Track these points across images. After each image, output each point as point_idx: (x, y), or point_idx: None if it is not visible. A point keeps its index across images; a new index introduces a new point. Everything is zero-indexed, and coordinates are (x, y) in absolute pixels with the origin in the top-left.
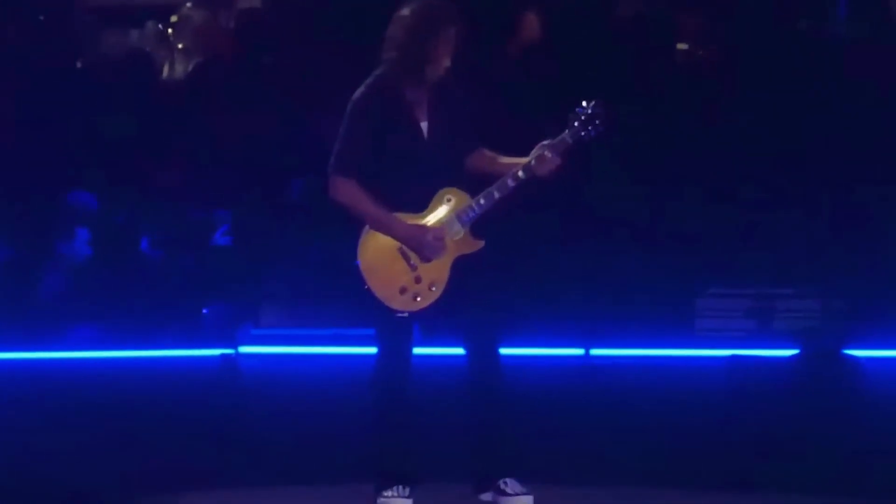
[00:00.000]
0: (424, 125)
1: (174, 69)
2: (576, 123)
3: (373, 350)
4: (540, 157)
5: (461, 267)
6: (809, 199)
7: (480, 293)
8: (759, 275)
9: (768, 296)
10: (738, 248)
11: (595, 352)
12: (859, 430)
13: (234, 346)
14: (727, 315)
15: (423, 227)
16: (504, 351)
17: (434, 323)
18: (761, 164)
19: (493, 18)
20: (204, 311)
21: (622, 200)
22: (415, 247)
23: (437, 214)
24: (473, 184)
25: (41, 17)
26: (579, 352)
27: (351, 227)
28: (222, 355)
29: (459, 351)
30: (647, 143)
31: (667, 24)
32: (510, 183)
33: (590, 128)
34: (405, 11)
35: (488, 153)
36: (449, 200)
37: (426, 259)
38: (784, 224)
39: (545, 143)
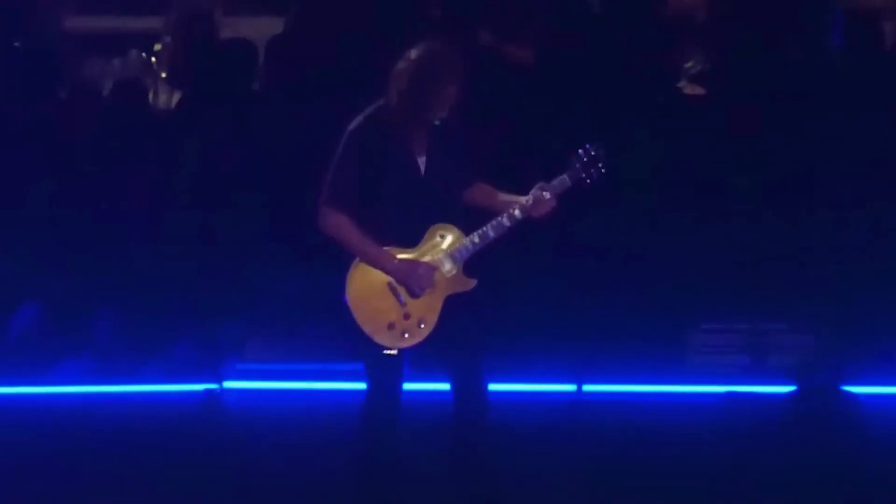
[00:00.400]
0: (422, 160)
1: (158, 99)
2: (577, 165)
3: (362, 385)
4: (538, 199)
5: (452, 306)
6: (802, 230)
7: (469, 330)
8: (752, 309)
9: (762, 331)
10: (731, 282)
11: (587, 388)
12: (859, 469)
13: (219, 381)
14: (721, 350)
15: (414, 261)
16: (493, 386)
17: (422, 360)
18: (753, 196)
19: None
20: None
21: (613, 233)
22: (403, 280)
23: (429, 250)
24: (469, 219)
25: (16, 44)
26: (571, 387)
27: (339, 259)
28: (206, 390)
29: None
30: (638, 174)
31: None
32: (506, 223)
33: (592, 171)
34: (412, 55)
35: (486, 188)
36: (442, 237)
37: (414, 294)
38: (777, 256)
39: (544, 184)
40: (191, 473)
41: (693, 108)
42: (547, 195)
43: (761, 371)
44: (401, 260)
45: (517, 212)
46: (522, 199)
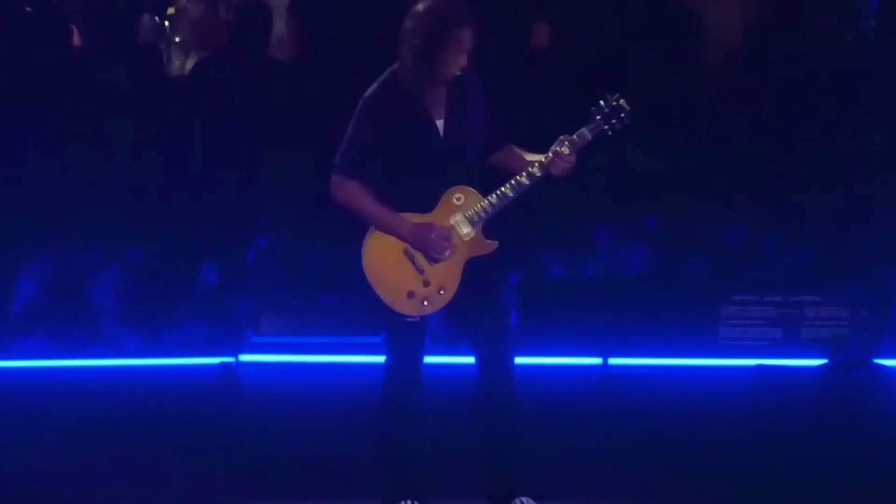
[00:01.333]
0: (440, 123)
1: (171, 65)
2: (598, 117)
3: (380, 359)
4: (557, 155)
5: (473, 270)
6: (837, 201)
7: (492, 298)
8: (784, 281)
9: (795, 303)
10: (763, 254)
11: (613, 361)
12: (892, 445)
13: (234, 355)
14: (752, 323)
15: (428, 224)
16: (516, 360)
17: (443, 329)
18: (788, 168)
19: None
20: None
21: (641, 203)
22: (419, 246)
23: (445, 214)
24: (492, 182)
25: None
26: (597, 361)
27: (354, 230)
28: (221, 364)
29: (470, 360)
30: (668, 145)
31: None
32: (525, 182)
33: (614, 121)
34: (419, 7)
35: (515, 150)
36: (459, 199)
37: (432, 259)
38: (811, 228)
39: (565, 137)
40: (206, 449)
41: (725, 82)
42: (566, 150)
43: (793, 344)
44: (415, 224)
45: (536, 169)
46: (542, 157)
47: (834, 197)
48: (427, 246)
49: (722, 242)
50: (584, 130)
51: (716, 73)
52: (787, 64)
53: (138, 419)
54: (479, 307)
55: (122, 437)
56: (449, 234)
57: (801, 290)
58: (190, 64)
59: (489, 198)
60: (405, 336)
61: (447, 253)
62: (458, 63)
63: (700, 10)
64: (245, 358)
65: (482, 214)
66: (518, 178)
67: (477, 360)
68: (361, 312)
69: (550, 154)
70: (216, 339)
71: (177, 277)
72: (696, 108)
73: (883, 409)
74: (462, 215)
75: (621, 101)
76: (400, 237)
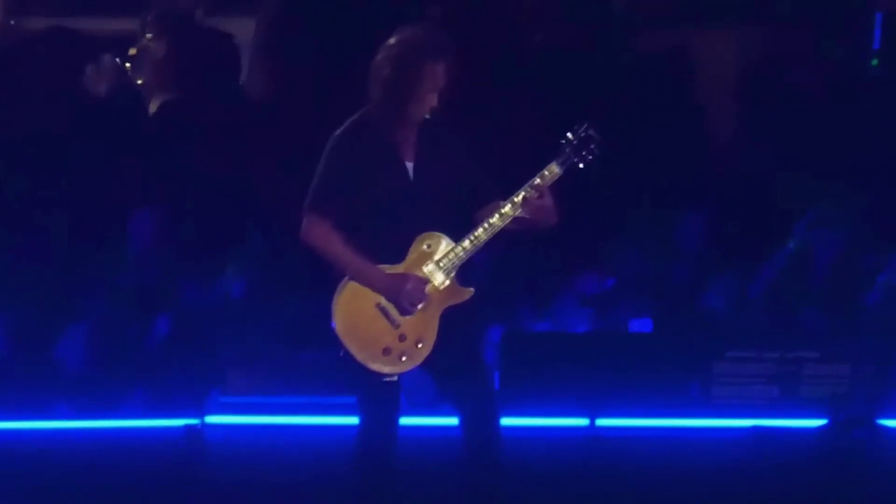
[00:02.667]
0: (410, 165)
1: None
2: (567, 150)
3: (354, 420)
4: (525, 200)
5: (450, 320)
6: (836, 254)
7: (473, 353)
8: (781, 337)
9: (792, 360)
10: (759, 308)
11: (601, 422)
12: None
13: (200, 416)
14: (747, 381)
15: (403, 275)
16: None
17: (421, 388)
18: (786, 217)
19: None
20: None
21: (631, 253)
22: (393, 297)
23: (416, 262)
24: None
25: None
26: (583, 422)
27: (325, 284)
28: (186, 426)
29: (448, 420)
30: (659, 194)
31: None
32: (498, 223)
33: (584, 153)
34: (392, 40)
35: (496, 204)
36: (429, 247)
37: (406, 311)
38: (808, 281)
39: (535, 179)
40: None
41: (730, 124)
42: (533, 194)
43: (791, 403)
44: (389, 275)
45: (507, 209)
46: (514, 197)
47: (834, 247)
48: (401, 298)
49: (714, 295)
50: (553, 165)
51: (711, 117)
52: (787, 106)
53: (97, 485)
54: (459, 362)
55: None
56: (424, 284)
57: (799, 346)
58: (154, 107)
59: (462, 243)
60: (380, 396)
61: (421, 305)
62: (428, 101)
63: (693, 48)
64: (212, 419)
65: (455, 261)
66: (490, 220)
67: (460, 419)
68: (334, 371)
69: (522, 192)
70: (180, 400)
71: (138, 334)
72: (688, 155)
73: (886, 471)
74: (434, 263)
75: (590, 131)
76: (372, 287)
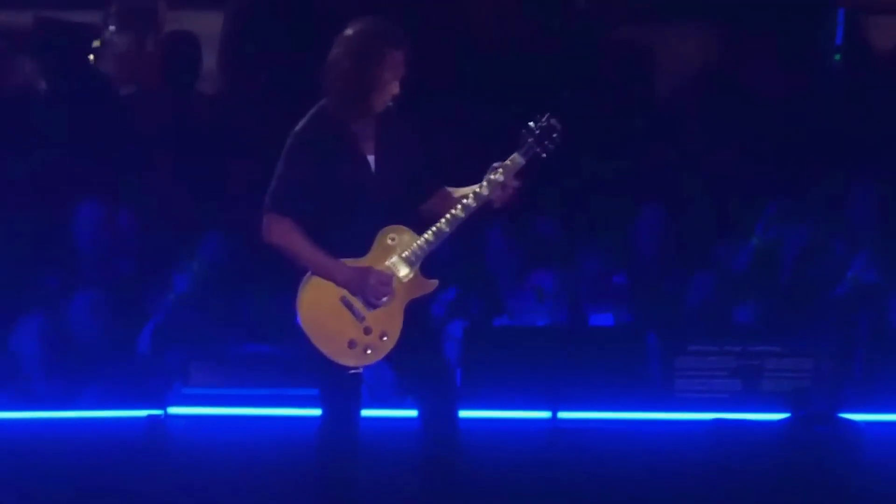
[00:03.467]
0: (371, 158)
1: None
2: (529, 140)
3: (316, 411)
4: (490, 183)
5: (414, 312)
6: (799, 245)
7: (433, 345)
8: (743, 330)
9: (755, 353)
10: (721, 301)
11: (563, 415)
12: (857, 502)
13: (162, 407)
14: (709, 375)
15: (367, 268)
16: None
17: (380, 380)
18: (749, 211)
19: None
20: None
21: (595, 242)
22: (357, 291)
23: (380, 256)
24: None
25: None
26: (545, 414)
27: (288, 275)
28: (148, 417)
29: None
30: (624, 183)
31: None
32: (461, 214)
33: (546, 142)
34: (348, 32)
35: (445, 191)
36: (393, 240)
37: (372, 305)
38: (771, 273)
39: (496, 165)
40: None
41: (694, 120)
42: (500, 177)
43: (753, 397)
44: (352, 268)
45: (471, 200)
46: (476, 187)
47: (798, 241)
48: (366, 291)
49: (677, 289)
50: (515, 155)
51: (674, 114)
52: (750, 107)
53: (58, 476)
54: (420, 354)
55: (41, 496)
56: (389, 278)
57: (761, 340)
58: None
59: (425, 235)
60: (342, 388)
61: (385, 299)
62: (390, 90)
63: (656, 46)
64: (174, 410)
65: (419, 253)
66: (453, 211)
67: (420, 411)
68: (297, 363)
69: (485, 183)
70: (143, 391)
71: (100, 324)
72: (655, 149)
73: (848, 465)
74: (398, 256)
75: (552, 120)
76: (336, 282)
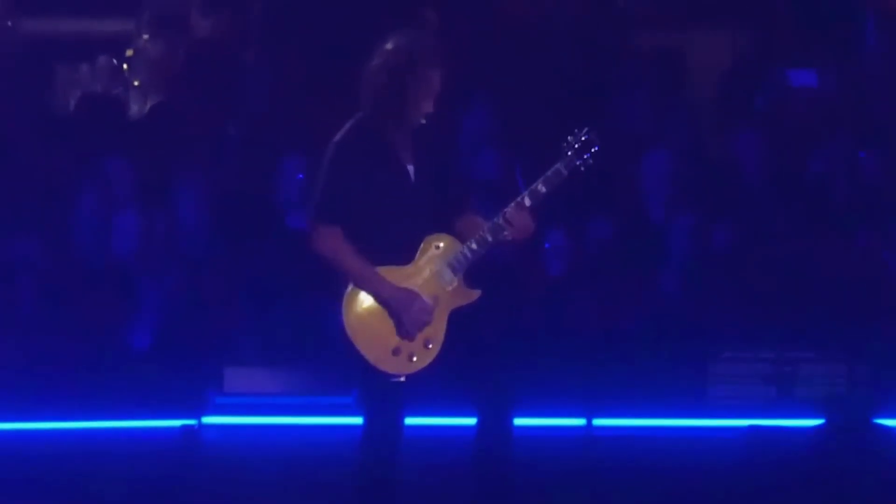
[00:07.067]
0: (410, 168)
1: (129, 109)
2: (569, 153)
3: (356, 420)
4: (533, 193)
5: (458, 321)
6: (834, 253)
7: (489, 352)
8: (778, 337)
9: (789, 360)
10: (756, 308)
11: (598, 422)
12: None
13: (197, 417)
14: (743, 381)
15: (412, 293)
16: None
17: (426, 388)
18: (783, 217)
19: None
20: None
21: (628, 252)
22: (396, 314)
23: (426, 264)
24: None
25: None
26: (580, 422)
27: (323, 281)
28: (183, 426)
29: (450, 421)
30: (651, 196)
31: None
32: (501, 223)
33: (586, 156)
34: (388, 46)
35: (473, 219)
36: (438, 248)
37: (406, 333)
38: (806, 280)
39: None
40: None
41: (716, 124)
42: (543, 189)
43: (788, 404)
44: (398, 290)
45: (512, 209)
46: (518, 199)
47: (832, 248)
48: (407, 315)
49: (711, 296)
50: (558, 167)
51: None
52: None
53: (93, 487)
54: (474, 363)
55: None
56: (431, 308)
57: (795, 346)
58: (150, 107)
59: (468, 243)
60: (386, 396)
61: (421, 331)
62: (424, 107)
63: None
64: (208, 420)
65: (463, 262)
66: (496, 220)
67: (478, 419)
68: (333, 370)
69: (527, 194)
70: (177, 400)
71: (132, 333)
72: (684, 156)
73: (883, 472)
74: (444, 263)
75: (591, 134)
76: (379, 299)
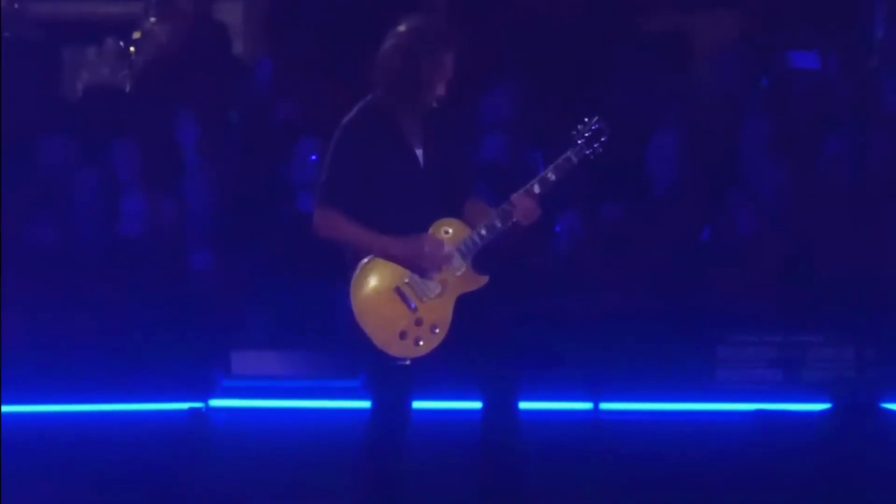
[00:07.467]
0: (419, 152)
1: (136, 91)
2: (580, 141)
3: (363, 404)
4: (543, 180)
5: (465, 306)
6: (841, 236)
7: (495, 337)
8: (786, 320)
9: (796, 343)
10: (762, 291)
11: (605, 406)
12: None
13: (204, 400)
14: (751, 365)
15: (420, 236)
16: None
17: (433, 372)
18: (788, 200)
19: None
20: None
21: (635, 237)
22: (412, 261)
23: None
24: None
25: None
26: (587, 406)
27: (331, 264)
28: (190, 409)
29: (455, 404)
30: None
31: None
32: (509, 209)
33: (595, 145)
34: (401, 28)
35: (478, 205)
36: (447, 232)
37: (427, 275)
38: (813, 263)
39: (552, 165)
40: (174, 499)
41: (728, 110)
42: (552, 177)
43: (795, 387)
44: (406, 239)
45: (521, 195)
46: (528, 185)
47: (839, 230)
48: (422, 259)
49: (717, 279)
50: (569, 155)
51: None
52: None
53: (100, 469)
54: (481, 348)
55: (83, 489)
56: (442, 245)
57: (803, 330)
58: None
59: (478, 229)
60: (393, 379)
61: (439, 273)
62: (436, 91)
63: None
64: (216, 403)
65: (472, 247)
66: (504, 206)
67: (484, 403)
68: (340, 354)
69: (536, 181)
70: (184, 383)
71: (141, 316)
72: (690, 139)
73: (889, 455)
74: (452, 248)
75: (601, 123)
76: (391, 256)
